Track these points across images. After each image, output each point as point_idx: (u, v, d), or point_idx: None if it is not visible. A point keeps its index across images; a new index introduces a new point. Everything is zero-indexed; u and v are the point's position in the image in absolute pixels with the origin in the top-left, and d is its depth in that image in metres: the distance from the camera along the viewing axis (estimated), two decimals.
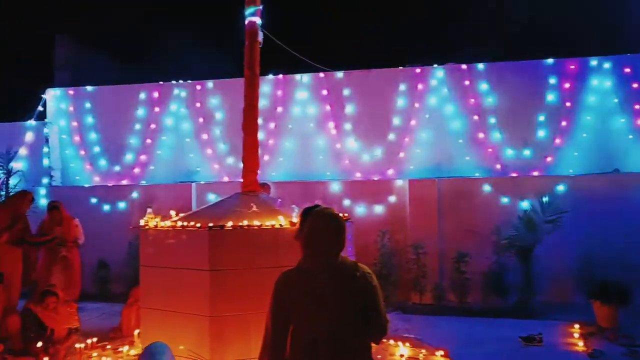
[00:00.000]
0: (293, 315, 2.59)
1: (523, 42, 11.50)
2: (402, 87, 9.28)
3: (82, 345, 5.63)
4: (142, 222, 5.25)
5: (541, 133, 8.88)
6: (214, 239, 4.63)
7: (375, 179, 9.06)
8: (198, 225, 4.77)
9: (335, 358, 2.53)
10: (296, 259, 2.69)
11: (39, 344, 5.34)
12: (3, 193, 9.33)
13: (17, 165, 9.65)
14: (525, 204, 7.92)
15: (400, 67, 9.41)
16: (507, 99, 9.02)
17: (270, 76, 9.59)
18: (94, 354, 5.67)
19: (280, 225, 4.79)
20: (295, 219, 4.71)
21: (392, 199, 8.43)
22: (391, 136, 9.25)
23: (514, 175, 8.68)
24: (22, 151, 10.06)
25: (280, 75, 9.65)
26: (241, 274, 4.63)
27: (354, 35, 13.68)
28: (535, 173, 8.68)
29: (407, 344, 5.56)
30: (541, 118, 8.89)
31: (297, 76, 9.63)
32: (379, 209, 8.44)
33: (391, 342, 5.65)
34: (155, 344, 4.00)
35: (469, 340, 6.05)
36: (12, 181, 9.42)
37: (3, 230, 6.41)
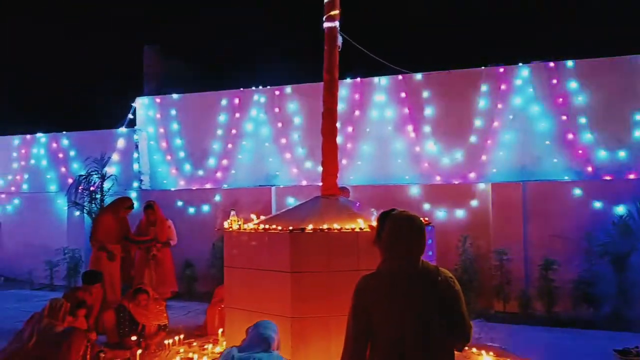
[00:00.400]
0: (373, 319, 2.57)
1: (614, 37, 10.84)
2: (484, 87, 8.99)
3: (170, 342, 5.90)
4: (226, 225, 5.42)
5: (638, 133, 8.30)
6: (295, 242, 4.69)
7: (456, 182, 8.83)
8: (279, 228, 4.85)
9: None
10: (376, 263, 2.68)
11: (134, 338, 5.64)
12: (98, 196, 9.98)
13: (110, 170, 10.27)
14: (620, 209, 7.43)
15: (483, 67, 9.13)
16: (599, 97, 8.49)
17: (348, 80, 9.61)
18: (181, 350, 5.92)
19: (360, 228, 4.78)
20: (374, 223, 4.69)
21: (474, 203, 8.18)
22: (472, 138, 8.98)
23: (608, 178, 8.16)
24: (115, 157, 10.71)
25: (358, 79, 9.65)
26: (322, 277, 4.66)
27: (433, 36, 13.46)
28: (632, 176, 8.11)
29: (491, 353, 5.36)
30: (638, 117, 8.30)
31: (375, 79, 9.59)
32: (460, 213, 8.21)
33: (474, 350, 5.47)
34: (266, 321, 4.12)
35: (557, 352, 5.75)
36: (106, 185, 10.04)
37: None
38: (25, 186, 11.67)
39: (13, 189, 11.77)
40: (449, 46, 12.70)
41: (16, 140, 11.91)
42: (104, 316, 6.01)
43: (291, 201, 8.82)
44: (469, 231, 7.99)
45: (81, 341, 4.70)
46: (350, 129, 9.53)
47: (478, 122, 8.97)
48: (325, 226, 4.79)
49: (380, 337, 2.56)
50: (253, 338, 3.86)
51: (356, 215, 5.06)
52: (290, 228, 4.74)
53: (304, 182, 9.61)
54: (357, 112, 9.57)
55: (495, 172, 8.82)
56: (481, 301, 7.76)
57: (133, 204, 7.59)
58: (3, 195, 11.68)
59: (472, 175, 8.91)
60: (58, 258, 10.08)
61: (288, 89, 10.09)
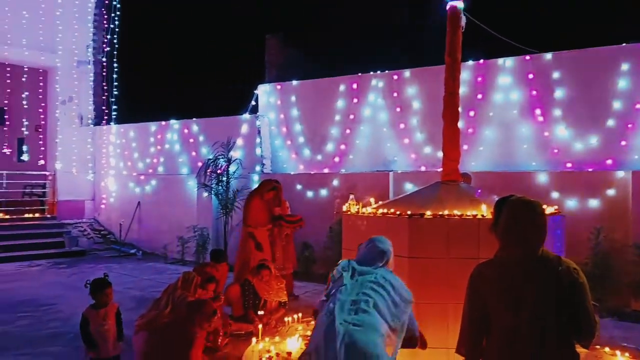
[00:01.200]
0: (489, 308, 2.51)
1: None
2: (625, 66, 8.16)
3: (290, 319, 6.13)
4: (344, 208, 5.50)
5: None
6: (413, 227, 4.63)
7: (590, 170, 8.16)
8: (398, 212, 4.82)
9: (534, 355, 2.39)
10: (495, 251, 2.58)
11: (260, 313, 5.95)
12: (224, 179, 10.59)
13: (235, 154, 10.83)
14: None
15: (623, 44, 8.30)
16: None
17: (470, 62, 9.23)
18: (299, 328, 6.13)
19: (482, 215, 4.60)
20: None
21: (611, 192, 7.50)
22: (610, 122, 8.21)
23: None
24: (239, 141, 11.27)
25: (481, 60, 9.24)
26: (440, 263, 4.56)
27: (563, 12, 12.47)
28: None
29: (627, 354, 4.93)
30: None
31: (500, 60, 9.11)
32: (593, 203, 7.59)
33: (607, 349, 5.06)
34: (381, 236, 3.83)
35: None
36: (232, 168, 10.62)
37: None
38: (160, 168, 12.70)
39: (150, 171, 12.87)
40: (582, 22, 11.68)
41: (153, 126, 12.99)
42: (230, 289, 6.39)
43: (409, 187, 8.71)
44: (604, 223, 7.36)
45: (210, 312, 5.02)
46: (472, 113, 9.17)
47: (617, 105, 8.18)
48: (445, 212, 4.68)
49: (496, 326, 2.50)
50: (369, 252, 3.64)
51: (478, 202, 4.87)
52: (409, 213, 4.68)
53: (423, 168, 9.44)
54: (479, 96, 9.17)
55: (637, 158, 8.02)
56: (616, 299, 7.13)
57: (276, 185, 7.88)
58: (142, 177, 12.83)
59: (609, 162, 8.17)
60: (189, 235, 10.90)
61: (407, 73, 9.93)
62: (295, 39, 13.33)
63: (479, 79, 9.20)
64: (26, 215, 12.95)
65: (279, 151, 11.37)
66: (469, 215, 4.62)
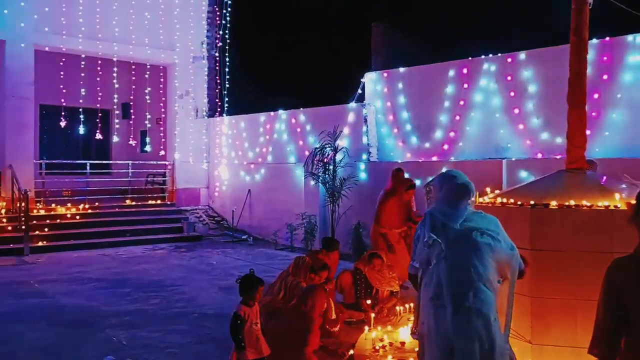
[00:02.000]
0: (629, 306, 2.32)
1: None
2: None
3: (401, 309, 6.11)
4: None
5: None
6: (536, 218, 4.39)
7: None
8: (519, 202, 4.60)
9: None
10: (633, 245, 2.38)
11: (368, 302, 6.00)
12: (331, 167, 10.73)
13: (341, 142, 10.92)
14: None
15: None
16: None
17: (594, 40, 8.54)
18: (411, 318, 6.08)
19: (615, 206, 4.26)
20: (633, 200, 4.13)
21: None
22: None
23: None
24: (346, 130, 11.34)
25: (607, 38, 8.52)
26: (566, 257, 4.29)
27: None
28: None
29: None
30: None
31: (629, 37, 8.34)
32: None
33: None
34: (454, 170, 3.74)
35: None
36: (338, 157, 10.72)
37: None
38: (269, 157, 13.13)
39: (260, 159, 13.35)
40: None
41: (262, 117, 13.44)
42: (342, 277, 6.48)
43: (524, 175, 8.28)
44: None
45: (323, 298, 5.13)
46: (596, 95, 8.47)
47: None
48: (571, 202, 4.39)
49: (636, 326, 2.31)
50: (450, 193, 3.32)
51: (609, 191, 4.52)
52: (532, 203, 4.45)
53: (539, 155, 8.92)
54: (605, 77, 8.47)
55: None
56: None
57: (413, 183, 7.62)
58: (252, 166, 13.36)
59: None
60: (297, 222, 11.19)
61: (522, 55, 9.40)
62: (401, 26, 13.14)
63: (605, 58, 8.49)
64: (149, 202, 13.99)
65: (386, 139, 11.29)
66: (600, 206, 4.31)
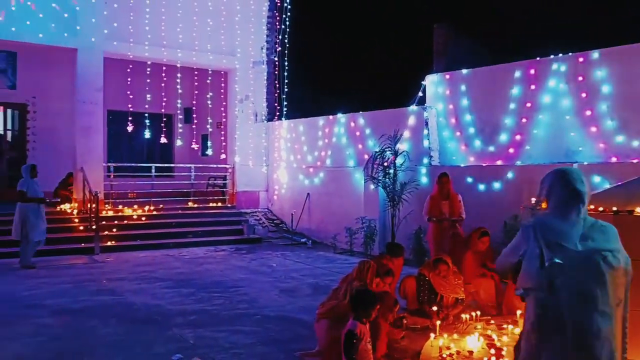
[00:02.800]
0: None
1: None
2: None
3: (467, 316, 5.93)
4: (533, 201, 5.14)
5: None
6: (620, 225, 4.14)
7: None
8: (600, 208, 4.36)
9: None
10: None
11: (434, 308, 5.85)
12: (391, 171, 10.60)
13: (402, 146, 10.77)
14: None
15: None
16: None
17: None
18: (478, 326, 5.90)
19: None
20: None
21: None
22: None
23: None
24: (406, 134, 11.18)
25: None
26: None
27: None
28: None
29: None
30: None
31: None
32: None
33: None
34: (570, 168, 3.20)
35: None
36: (399, 160, 10.58)
37: None
38: (328, 161, 13.13)
39: (319, 163, 13.38)
40: None
41: (321, 121, 13.47)
42: (406, 283, 6.36)
43: (597, 180, 7.89)
44: None
45: (392, 303, 5.04)
46: None
47: None
48: None
49: None
50: (561, 198, 2.90)
51: None
52: (615, 209, 4.21)
53: (614, 159, 8.47)
54: None
55: None
56: None
57: (486, 230, 6.93)
58: (311, 169, 13.40)
59: None
60: (356, 226, 11.12)
61: (595, 54, 8.96)
62: (464, 27, 12.87)
63: None
64: (210, 205, 14.28)
65: (448, 143, 11.05)
66: None
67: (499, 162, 9.98)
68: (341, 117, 12.90)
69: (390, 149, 10.63)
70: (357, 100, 13.56)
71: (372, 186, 11.11)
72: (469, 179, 9.75)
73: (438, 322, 5.56)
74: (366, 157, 11.44)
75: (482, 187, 9.57)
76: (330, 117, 13.21)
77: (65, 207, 12.59)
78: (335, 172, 12.72)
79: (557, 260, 2.74)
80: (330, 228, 12.26)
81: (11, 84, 14.84)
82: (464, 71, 10.89)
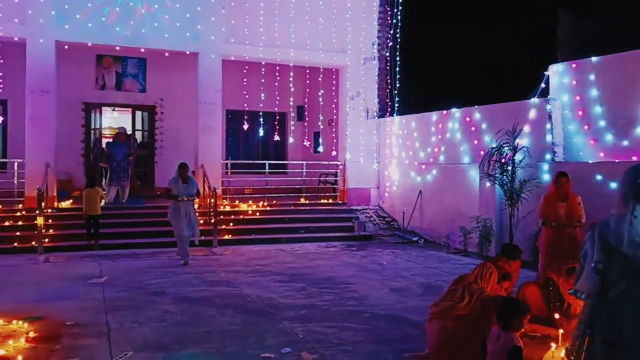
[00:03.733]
0: None
1: None
2: None
3: None
4: None
5: None
6: None
7: None
8: None
9: None
10: None
11: (557, 316, 5.41)
12: (510, 168, 10.02)
13: (521, 142, 10.13)
14: None
15: None
16: None
17: None
18: None
19: None
20: None
21: None
22: None
23: None
24: (526, 128, 10.48)
25: None
26: None
27: None
28: None
29: None
30: None
31: None
32: None
33: None
34: None
35: None
36: (518, 157, 9.97)
37: None
38: (441, 158, 12.72)
39: (431, 160, 13.00)
40: None
41: (434, 116, 13.08)
42: (526, 289, 5.92)
43: None
44: None
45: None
46: None
47: None
48: None
49: None
50: (626, 196, 2.61)
51: None
52: None
53: None
54: None
55: None
56: None
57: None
58: (423, 166, 13.07)
59: None
60: (471, 226, 10.66)
61: None
62: (593, 11, 11.81)
63: None
64: (321, 201, 14.47)
65: (574, 137, 10.20)
66: None
67: (634, 158, 9.01)
68: (455, 111, 12.43)
69: (508, 144, 10.05)
70: (472, 94, 12.96)
71: (488, 184, 10.59)
72: (598, 177, 8.91)
73: (561, 331, 5.12)
74: (482, 153, 10.91)
75: (613, 185, 8.70)
76: (444, 112, 12.77)
77: None
78: (448, 169, 12.29)
79: (602, 265, 2.56)
80: (443, 227, 11.88)
81: (141, 87, 16.14)
82: (593, 59, 9.98)
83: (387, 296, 7.52)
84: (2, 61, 12.27)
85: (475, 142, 11.71)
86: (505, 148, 10.10)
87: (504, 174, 10.05)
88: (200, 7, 13.11)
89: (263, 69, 14.09)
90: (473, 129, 11.82)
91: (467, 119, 12.02)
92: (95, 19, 12.37)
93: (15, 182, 12.05)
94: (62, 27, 12.13)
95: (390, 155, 14.53)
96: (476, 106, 11.88)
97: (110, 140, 14.10)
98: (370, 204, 14.71)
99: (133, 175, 14.34)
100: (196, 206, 10.29)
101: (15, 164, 12.28)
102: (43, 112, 12.09)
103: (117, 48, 13.42)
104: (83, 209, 10.95)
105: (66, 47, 12.47)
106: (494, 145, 10.31)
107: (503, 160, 10.10)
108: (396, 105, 14.77)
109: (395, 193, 14.22)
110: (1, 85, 12.72)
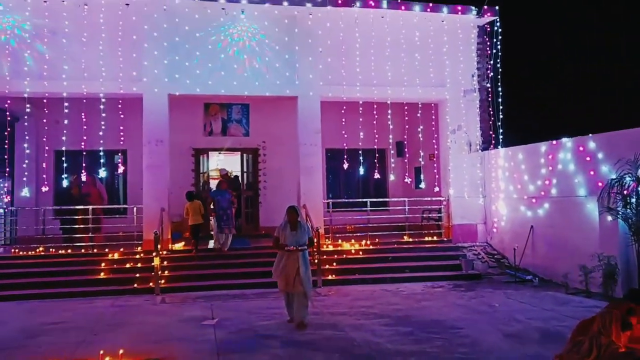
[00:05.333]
0: None
1: None
2: None
3: None
4: None
5: None
6: None
7: None
8: None
9: None
10: None
11: None
12: (633, 200, 9.18)
13: None
14: None
15: None
16: None
17: None
18: None
19: None
20: None
21: None
22: None
23: None
24: None
25: None
26: None
27: None
28: None
29: None
30: None
31: None
32: None
33: None
34: None
35: None
36: None
37: None
38: (553, 190, 11.94)
39: (542, 193, 12.24)
40: None
41: (543, 147, 12.36)
42: None
43: None
44: None
45: None
46: None
47: None
48: None
49: None
50: None
51: None
52: None
53: None
54: None
55: None
56: None
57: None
58: (534, 200, 12.35)
59: None
60: (592, 264, 9.84)
61: None
62: None
63: None
64: (425, 238, 14.09)
65: None
66: None
67: None
68: (567, 141, 11.67)
69: (630, 174, 9.29)
70: (583, 123, 12.17)
71: (609, 218, 9.76)
72: None
73: None
74: (600, 185, 10.12)
75: None
76: (554, 142, 12.04)
77: None
78: (562, 202, 11.50)
79: None
80: (560, 265, 11.06)
81: (245, 131, 16.90)
82: None
83: (501, 342, 7.06)
84: (122, 116, 13.39)
85: (591, 173, 10.87)
86: (627, 179, 9.33)
87: (627, 206, 9.24)
88: (299, 49, 13.58)
89: (361, 108, 14.20)
90: (588, 159, 11.01)
91: (581, 148, 11.23)
92: (203, 70, 13.21)
93: (134, 226, 12.99)
94: (174, 80, 13.08)
95: (497, 189, 13.90)
96: (590, 135, 11.08)
97: (214, 188, 14.72)
98: (477, 241, 14.09)
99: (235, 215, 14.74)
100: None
101: (135, 209, 13.25)
102: (158, 160, 13.00)
103: (223, 97, 14.18)
104: (188, 221, 12.81)
105: (177, 93, 13.34)
106: (614, 177, 9.56)
107: (625, 192, 9.32)
108: (500, 137, 14.19)
109: (504, 229, 13.52)
110: (122, 137, 13.86)
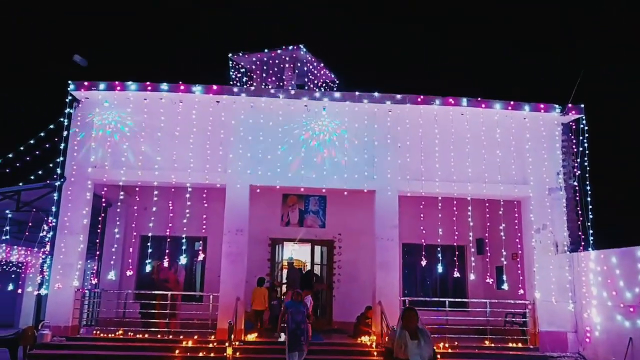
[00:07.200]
0: None
1: None
2: None
3: None
4: None
5: None
6: None
7: None
8: None
9: None
10: None
11: None
12: None
13: None
14: None
15: None
16: None
17: None
18: None
19: None
20: None
21: None
22: None
23: None
24: None
25: None
26: None
27: None
28: None
29: None
30: None
31: None
32: None
33: None
34: None
35: None
36: None
37: None
38: None
39: None
40: None
41: (639, 251, 11.46)
42: None
43: None
44: None
45: None
46: None
47: None
48: None
49: None
50: None
51: None
52: None
53: None
54: None
55: None
56: None
57: None
58: (631, 309, 11.29)
59: None
60: None
61: None
62: None
63: None
64: (509, 345, 13.10)
65: None
66: None
67: None
68: None
69: None
70: None
71: None
72: None
73: None
74: None
75: None
76: None
77: (365, 339, 13.12)
78: None
79: None
80: None
81: (321, 223, 17.01)
82: None
83: None
84: (206, 205, 13.93)
85: None
86: None
87: None
88: (377, 145, 13.79)
89: (440, 203, 13.96)
90: None
91: None
92: (284, 163, 13.66)
93: (209, 313, 13.07)
94: (256, 172, 13.57)
95: (589, 295, 12.85)
96: None
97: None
98: (568, 351, 12.89)
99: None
100: None
101: (211, 297, 13.37)
102: (237, 249, 13.24)
103: (302, 190, 14.48)
104: (251, 305, 13.87)
105: (258, 190, 13.79)
106: None
107: None
108: (590, 238, 13.34)
109: (599, 339, 12.33)
110: (205, 225, 14.32)
